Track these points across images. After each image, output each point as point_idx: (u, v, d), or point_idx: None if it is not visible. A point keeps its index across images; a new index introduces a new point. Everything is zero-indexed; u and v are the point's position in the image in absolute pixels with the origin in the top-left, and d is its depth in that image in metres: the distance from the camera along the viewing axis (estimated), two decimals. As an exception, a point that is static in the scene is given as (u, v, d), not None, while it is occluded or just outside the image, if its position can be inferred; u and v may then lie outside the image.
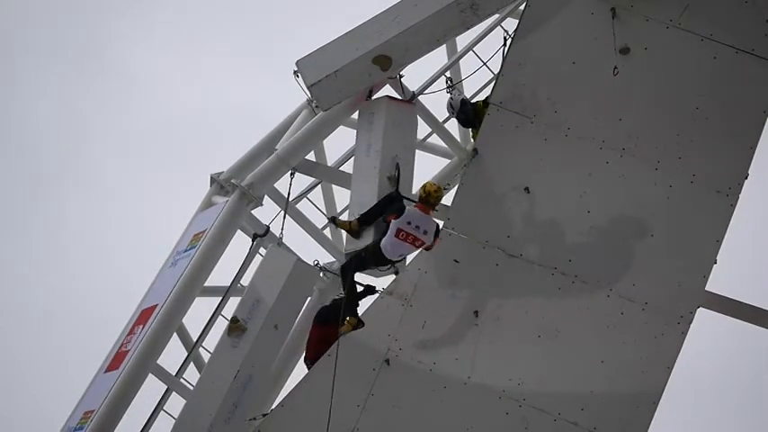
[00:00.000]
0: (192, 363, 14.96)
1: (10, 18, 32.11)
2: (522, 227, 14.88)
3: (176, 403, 14.53)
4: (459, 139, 16.82)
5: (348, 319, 14.21)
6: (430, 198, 14.15)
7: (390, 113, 14.93)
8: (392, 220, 13.98)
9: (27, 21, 32.34)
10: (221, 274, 15.32)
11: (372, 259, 14.33)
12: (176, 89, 33.71)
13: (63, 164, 33.10)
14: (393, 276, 15.09)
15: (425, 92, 15.88)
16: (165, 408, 14.57)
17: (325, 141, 16.53)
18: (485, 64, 16.59)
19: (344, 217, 15.87)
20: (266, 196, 15.45)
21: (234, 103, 33.10)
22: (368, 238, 14.56)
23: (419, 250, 14.34)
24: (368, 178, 14.66)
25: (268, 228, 15.38)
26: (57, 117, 33.18)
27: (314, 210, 17.01)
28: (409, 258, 14.67)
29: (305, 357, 15.01)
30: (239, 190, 15.15)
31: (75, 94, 33.31)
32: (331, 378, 14.13)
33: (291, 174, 15.37)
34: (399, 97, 15.38)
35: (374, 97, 15.40)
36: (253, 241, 15.29)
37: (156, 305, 14.71)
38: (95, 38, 33.67)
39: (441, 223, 14.76)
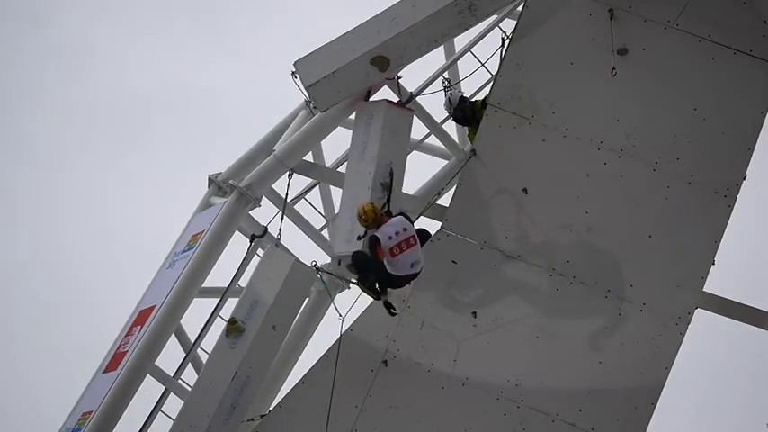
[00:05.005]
0: (189, 364, 14.94)
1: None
2: (520, 228, 14.89)
3: (174, 404, 14.52)
4: (456, 140, 16.80)
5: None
6: (371, 222, 13.66)
7: (388, 119, 14.91)
8: (380, 253, 13.60)
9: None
10: (219, 275, 15.34)
11: (393, 286, 13.96)
12: (177, 89, 33.74)
13: (62, 164, 33.11)
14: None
15: (423, 93, 15.86)
16: (162, 409, 14.56)
17: (323, 142, 16.51)
18: (483, 65, 16.57)
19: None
20: (264, 197, 15.44)
21: (234, 102, 33.14)
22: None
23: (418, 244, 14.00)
24: (361, 182, 14.64)
25: (266, 229, 15.37)
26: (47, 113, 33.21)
27: (312, 211, 17.01)
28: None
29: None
30: (237, 191, 15.15)
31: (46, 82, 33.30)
32: (329, 379, 14.16)
33: (289, 175, 15.36)
34: (397, 99, 15.36)
35: (372, 98, 15.38)
36: (251, 242, 15.28)
37: (154, 306, 14.72)
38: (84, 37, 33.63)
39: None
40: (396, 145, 14.91)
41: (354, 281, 14.37)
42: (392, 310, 13.97)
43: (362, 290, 14.12)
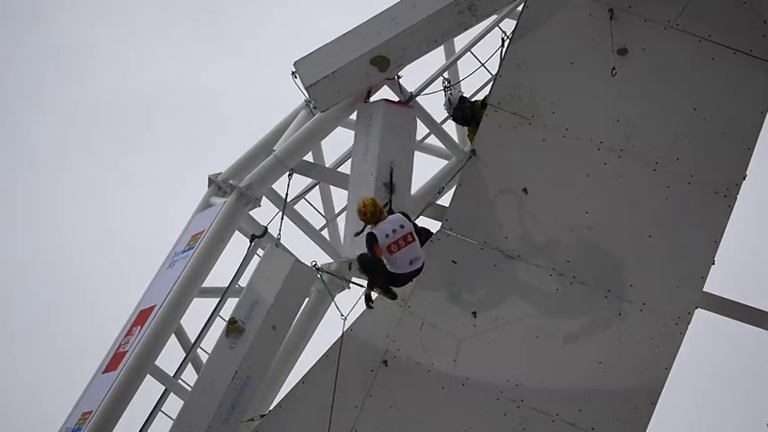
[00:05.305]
0: (189, 364, 14.93)
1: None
2: (520, 228, 14.89)
3: (174, 404, 14.51)
4: (457, 140, 16.79)
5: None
6: (369, 216, 13.70)
7: (387, 118, 14.91)
8: (377, 251, 13.65)
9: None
10: (219, 275, 15.32)
11: (395, 284, 14.02)
12: (177, 89, 33.75)
13: (62, 164, 33.12)
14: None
15: (423, 93, 15.85)
16: (162, 409, 14.54)
17: (323, 142, 16.52)
18: (483, 65, 16.56)
19: (341, 219, 16.11)
20: (264, 197, 15.43)
21: (234, 102, 33.16)
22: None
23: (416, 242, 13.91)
24: (364, 184, 14.67)
25: (266, 229, 15.35)
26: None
27: (312, 211, 16.99)
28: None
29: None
30: (237, 191, 15.13)
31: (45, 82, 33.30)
32: (329, 379, 14.16)
33: (289, 175, 15.36)
34: (397, 99, 15.36)
35: (372, 98, 15.38)
36: (251, 242, 15.26)
37: (154, 306, 14.71)
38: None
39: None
40: (398, 143, 14.92)
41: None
42: (370, 304, 14.01)
43: (379, 293, 14.14)
